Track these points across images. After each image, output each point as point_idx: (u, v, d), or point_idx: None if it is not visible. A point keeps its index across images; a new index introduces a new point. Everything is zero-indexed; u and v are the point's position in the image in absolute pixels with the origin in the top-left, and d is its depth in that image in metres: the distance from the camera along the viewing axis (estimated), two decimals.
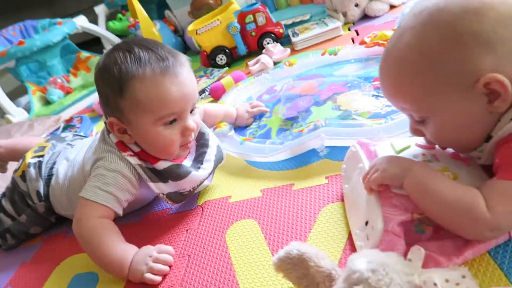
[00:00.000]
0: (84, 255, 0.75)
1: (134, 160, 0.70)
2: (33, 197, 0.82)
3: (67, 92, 1.77)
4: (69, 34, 1.83)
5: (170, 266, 0.65)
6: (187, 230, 0.72)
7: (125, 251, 0.65)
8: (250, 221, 0.68)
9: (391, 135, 0.69)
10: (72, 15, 2.28)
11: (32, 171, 0.82)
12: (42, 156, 0.84)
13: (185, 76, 0.66)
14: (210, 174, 0.77)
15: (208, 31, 1.37)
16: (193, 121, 0.70)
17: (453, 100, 0.44)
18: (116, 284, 0.66)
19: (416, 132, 0.51)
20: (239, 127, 0.97)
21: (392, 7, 1.37)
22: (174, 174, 0.71)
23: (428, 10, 0.44)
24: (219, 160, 0.79)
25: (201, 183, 0.75)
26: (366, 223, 0.52)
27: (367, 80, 0.90)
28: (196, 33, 1.37)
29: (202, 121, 0.78)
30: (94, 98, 1.65)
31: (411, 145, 0.56)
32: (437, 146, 0.54)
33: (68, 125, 1.29)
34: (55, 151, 0.87)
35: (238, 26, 1.37)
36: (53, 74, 1.81)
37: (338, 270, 0.46)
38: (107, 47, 2.23)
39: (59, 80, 1.77)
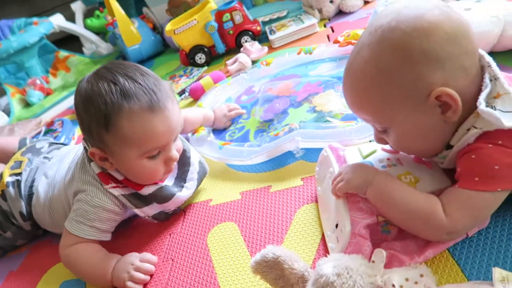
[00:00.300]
0: None
1: (117, 191, 0.70)
2: (17, 218, 0.83)
3: (47, 93, 1.76)
4: (46, 35, 1.81)
5: (151, 276, 0.67)
6: (170, 234, 0.74)
7: (105, 262, 0.68)
8: (230, 224, 0.71)
9: (362, 137, 0.72)
10: (48, 12, 2.25)
11: (12, 190, 0.83)
12: (20, 174, 0.84)
13: (170, 110, 0.66)
14: (195, 191, 0.79)
15: (186, 30, 1.38)
16: (176, 148, 0.71)
17: (410, 112, 0.47)
18: None
19: (380, 140, 0.55)
20: (217, 130, 0.99)
21: (366, 2, 1.40)
22: (159, 197, 0.72)
23: (382, 28, 0.47)
24: (202, 176, 0.80)
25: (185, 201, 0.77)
26: (336, 225, 0.55)
27: (340, 80, 0.93)
28: (174, 33, 1.38)
29: (183, 128, 0.79)
30: None
31: (377, 150, 0.60)
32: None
33: (50, 129, 1.29)
34: (32, 167, 0.86)
35: (216, 25, 1.38)
36: (32, 75, 1.80)
37: (310, 272, 0.50)
38: (86, 44, 2.21)
39: (38, 82, 1.75)
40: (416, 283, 0.43)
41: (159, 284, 0.65)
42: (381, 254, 0.45)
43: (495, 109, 0.44)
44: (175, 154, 0.70)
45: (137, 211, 0.73)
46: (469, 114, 0.47)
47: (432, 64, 0.45)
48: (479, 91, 0.45)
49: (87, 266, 0.68)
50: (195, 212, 0.77)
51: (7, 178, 0.83)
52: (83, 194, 0.71)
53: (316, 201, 0.67)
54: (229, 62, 1.29)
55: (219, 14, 1.39)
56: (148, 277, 0.66)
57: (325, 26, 1.37)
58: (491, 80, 0.46)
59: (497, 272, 0.44)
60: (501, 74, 0.46)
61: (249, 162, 0.81)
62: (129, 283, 0.65)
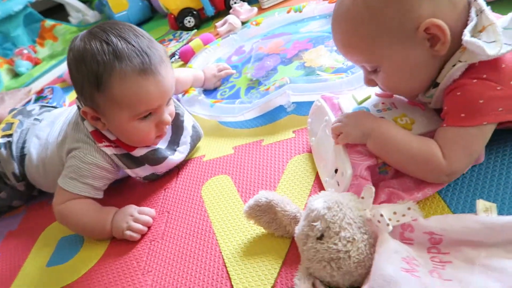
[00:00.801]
0: None
1: (110, 151, 0.70)
2: (10, 178, 0.84)
3: (35, 63, 1.73)
4: (30, 2, 1.77)
5: (149, 227, 0.69)
6: (165, 189, 0.76)
7: (104, 213, 0.70)
8: (224, 176, 0.72)
9: (352, 88, 0.73)
10: None
11: (3, 151, 0.83)
12: (11, 135, 0.84)
13: (163, 73, 0.65)
14: (188, 155, 0.79)
15: None
16: (169, 112, 0.71)
17: (399, 47, 0.48)
18: (100, 243, 0.70)
19: (370, 82, 0.56)
20: (208, 90, 0.99)
21: None
22: (151, 159, 0.73)
23: None
24: (196, 140, 0.80)
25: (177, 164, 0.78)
26: (336, 170, 0.55)
27: (330, 34, 0.93)
28: None
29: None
30: (64, 68, 1.62)
31: (371, 95, 0.60)
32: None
33: (40, 96, 1.28)
34: (23, 129, 0.86)
35: None
36: (19, 45, 1.76)
37: (302, 213, 0.51)
38: (72, 13, 2.16)
39: (25, 51, 1.72)
40: (403, 215, 0.44)
41: (156, 235, 0.67)
42: (370, 190, 0.46)
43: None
44: (167, 117, 0.70)
45: (128, 171, 0.73)
46: (455, 50, 0.48)
47: None
48: (465, 26, 0.46)
49: (85, 218, 0.69)
50: (188, 168, 0.78)
51: None
52: (76, 151, 0.71)
53: (308, 151, 0.69)
54: (218, 24, 1.28)
55: None
56: (145, 228, 0.68)
57: None
58: (477, 15, 0.46)
59: (481, 204, 0.45)
60: (486, 7, 0.46)
61: (241, 118, 0.82)
62: (128, 232, 0.67)
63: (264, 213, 0.54)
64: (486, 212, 0.44)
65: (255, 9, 1.30)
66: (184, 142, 0.78)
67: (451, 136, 0.48)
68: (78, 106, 0.73)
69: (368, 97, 0.60)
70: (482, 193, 0.50)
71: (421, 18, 0.46)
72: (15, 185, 0.85)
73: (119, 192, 0.80)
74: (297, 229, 0.47)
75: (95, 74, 0.63)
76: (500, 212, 0.46)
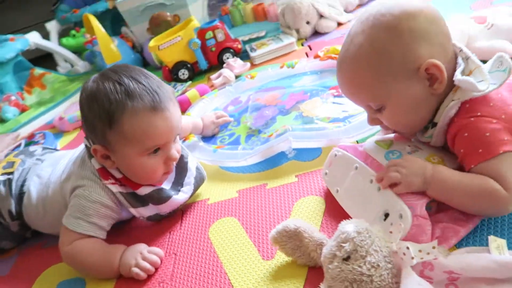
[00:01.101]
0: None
1: (115, 188, 0.72)
2: (5, 216, 0.83)
3: (23, 109, 1.73)
4: (22, 51, 1.80)
5: (156, 268, 0.69)
6: (170, 232, 0.76)
7: (112, 250, 0.70)
8: (230, 218, 0.74)
9: (349, 136, 0.79)
10: (19, 31, 2.23)
11: (2, 188, 0.82)
12: (12, 173, 0.84)
13: (171, 110, 0.69)
14: (192, 196, 0.81)
15: (170, 46, 1.43)
16: (175, 149, 0.74)
17: (402, 85, 0.55)
18: (105, 284, 0.69)
19: (374, 121, 0.61)
20: (207, 137, 1.03)
21: (339, 24, 1.51)
22: (155, 198, 0.74)
23: (373, 15, 0.56)
24: (199, 181, 0.82)
25: (181, 205, 0.79)
26: (386, 215, 0.55)
27: (325, 88, 1.00)
28: (158, 48, 1.42)
29: None
30: (53, 115, 1.63)
31: (392, 139, 0.64)
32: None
33: (31, 141, 1.27)
34: (25, 167, 0.87)
35: (199, 42, 1.44)
36: (6, 92, 1.77)
37: (328, 240, 0.53)
38: (60, 63, 2.20)
39: (13, 98, 1.73)
40: (428, 254, 0.47)
41: (164, 276, 0.67)
42: (400, 227, 0.50)
43: None
44: (175, 154, 0.73)
45: (132, 210, 0.74)
46: (448, 93, 0.55)
47: (418, 39, 0.53)
48: (454, 71, 0.54)
49: (93, 257, 0.69)
50: (193, 211, 0.80)
51: None
52: (81, 189, 0.72)
53: (313, 194, 0.72)
54: (213, 76, 1.35)
55: (202, 32, 1.45)
56: (153, 269, 0.68)
57: (302, 45, 1.46)
58: (464, 61, 0.54)
59: (492, 240, 0.49)
60: (472, 55, 0.54)
61: (244, 163, 0.85)
62: (135, 269, 0.66)
63: (290, 239, 0.57)
64: (497, 249, 0.48)
65: (248, 64, 1.39)
66: (188, 183, 0.80)
67: (490, 171, 0.50)
68: (86, 145, 0.75)
69: (392, 142, 0.63)
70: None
71: (421, 59, 0.53)
72: (9, 224, 0.83)
73: (124, 234, 0.80)
74: (325, 249, 0.50)
75: (107, 112, 0.66)
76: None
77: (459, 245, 0.53)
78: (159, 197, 0.74)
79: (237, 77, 1.33)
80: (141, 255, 0.68)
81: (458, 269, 0.47)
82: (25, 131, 1.56)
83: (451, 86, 0.55)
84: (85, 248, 0.69)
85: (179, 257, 0.70)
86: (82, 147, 0.80)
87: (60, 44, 2.13)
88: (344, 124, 0.83)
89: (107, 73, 0.70)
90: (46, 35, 2.21)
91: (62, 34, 2.29)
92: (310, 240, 0.56)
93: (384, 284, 0.46)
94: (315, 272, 0.57)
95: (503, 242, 0.49)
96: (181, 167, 0.80)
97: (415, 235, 0.52)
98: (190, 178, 0.80)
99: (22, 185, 0.83)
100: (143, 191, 0.73)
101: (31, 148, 0.95)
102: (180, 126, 0.73)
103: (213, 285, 0.61)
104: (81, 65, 1.99)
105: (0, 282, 0.81)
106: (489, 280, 0.46)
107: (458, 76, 0.53)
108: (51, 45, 2.02)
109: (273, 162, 0.85)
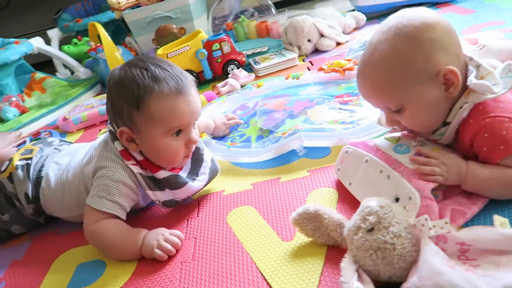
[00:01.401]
0: (86, 247, 0.81)
1: (136, 169, 0.76)
2: (21, 199, 0.85)
3: (23, 111, 1.74)
4: (26, 54, 1.83)
5: (177, 250, 0.72)
6: (187, 219, 0.80)
7: (135, 232, 0.73)
8: (247, 207, 0.78)
9: (358, 136, 0.85)
10: (21, 37, 2.25)
11: (20, 173, 0.85)
12: (30, 158, 0.87)
13: (193, 94, 0.75)
14: (205, 185, 0.85)
15: (178, 55, 1.49)
16: (195, 133, 0.79)
17: (422, 89, 0.61)
18: (127, 265, 0.72)
19: (392, 122, 0.67)
20: (217, 138, 1.08)
21: (337, 44, 1.61)
22: (172, 183, 0.78)
23: (396, 26, 0.62)
24: (214, 172, 0.86)
25: (196, 192, 0.83)
26: (397, 199, 0.61)
27: (330, 97, 1.08)
28: (167, 56, 1.48)
29: None
30: (56, 116, 1.65)
31: (400, 136, 0.71)
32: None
33: (37, 138, 1.29)
34: (43, 155, 0.90)
35: (206, 52, 1.50)
36: (7, 93, 1.78)
37: (347, 220, 0.59)
38: (60, 70, 2.23)
39: (14, 99, 1.74)
40: (441, 228, 0.53)
41: (186, 257, 0.70)
42: (415, 206, 0.56)
43: None
44: (195, 136, 0.78)
45: (150, 193, 0.78)
46: (460, 96, 0.62)
47: (438, 48, 0.60)
48: (465, 77, 0.61)
49: (117, 237, 0.72)
50: (209, 201, 0.84)
51: (17, 162, 0.87)
52: (104, 170, 0.76)
53: (326, 186, 0.77)
54: (219, 85, 1.41)
55: (209, 44, 1.52)
56: (174, 250, 0.71)
57: (303, 60, 1.55)
58: (475, 68, 0.62)
59: (497, 219, 0.55)
60: (482, 62, 0.62)
61: (257, 159, 0.90)
62: (157, 250, 0.69)
63: (310, 221, 0.62)
64: (502, 226, 0.54)
65: (253, 75, 1.46)
66: (203, 173, 0.84)
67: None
68: (110, 130, 0.79)
69: (399, 138, 0.70)
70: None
71: (439, 66, 0.60)
72: (23, 207, 0.85)
73: (142, 222, 0.83)
74: (349, 223, 0.55)
75: (135, 95, 0.71)
76: None
77: (465, 225, 0.59)
78: (176, 182, 0.78)
79: (242, 86, 1.40)
80: (163, 237, 0.71)
81: (470, 241, 0.52)
82: (26, 131, 1.57)
83: (463, 90, 0.62)
84: (109, 228, 0.72)
85: (199, 240, 0.73)
86: (100, 140, 0.84)
87: (62, 51, 2.16)
88: (352, 126, 0.90)
89: (134, 62, 0.75)
90: (47, 42, 2.25)
91: (63, 42, 2.33)
92: (330, 221, 0.61)
93: (405, 251, 0.51)
94: (334, 250, 0.62)
95: (506, 220, 0.55)
96: (197, 158, 0.84)
97: (425, 214, 0.56)
98: (205, 169, 0.85)
99: (40, 170, 0.86)
100: (161, 174, 0.77)
101: (49, 139, 0.98)
102: (199, 110, 0.79)
103: (236, 264, 0.65)
104: (82, 72, 2.02)
105: (16, 265, 0.82)
106: (496, 252, 0.52)
107: (473, 80, 0.59)
108: (54, 50, 2.06)
109: (285, 159, 0.90)
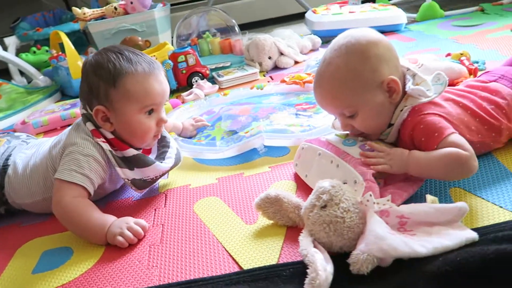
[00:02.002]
0: (51, 236, 0.82)
1: (106, 146, 0.80)
2: None
3: None
4: None
5: (143, 237, 0.74)
6: (155, 210, 0.83)
7: (104, 217, 0.76)
8: (213, 198, 0.83)
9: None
10: None
11: None
12: None
13: (163, 77, 0.84)
14: (171, 168, 0.90)
15: None
16: (164, 115, 0.85)
17: (370, 96, 0.72)
18: (93, 252, 0.73)
19: (346, 127, 0.77)
20: (184, 138, 1.13)
21: (296, 62, 1.73)
22: (140, 161, 0.83)
23: (346, 44, 0.73)
24: (178, 160, 0.92)
25: (163, 174, 0.88)
26: (344, 183, 0.68)
27: (289, 106, 1.17)
28: None
29: None
30: (13, 121, 1.62)
31: (348, 133, 0.80)
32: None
33: None
34: (10, 146, 0.92)
35: (171, 63, 1.56)
36: None
37: (304, 203, 0.65)
38: (16, 77, 2.19)
39: None
40: (384, 204, 0.61)
41: (154, 241, 0.73)
42: (362, 186, 0.64)
43: None
44: (165, 117, 0.85)
45: (119, 170, 0.81)
46: (400, 101, 0.73)
47: (381, 62, 0.71)
48: (404, 85, 0.73)
49: (87, 218, 0.74)
50: (176, 194, 0.88)
51: None
52: (74, 146, 0.79)
53: (288, 179, 0.85)
54: (184, 94, 1.46)
55: (174, 55, 1.58)
56: (135, 239, 0.73)
57: (264, 75, 1.65)
58: (411, 77, 0.73)
59: (428, 197, 0.64)
60: (418, 71, 0.73)
61: (221, 155, 0.97)
62: (119, 237, 0.72)
63: (271, 204, 0.68)
64: (432, 202, 0.63)
65: (217, 86, 1.53)
66: (169, 157, 0.89)
67: (448, 145, 0.65)
68: (83, 114, 0.83)
69: (347, 134, 0.80)
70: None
71: (383, 76, 0.71)
72: None
73: (109, 212, 0.84)
74: (305, 203, 0.63)
75: (112, 74, 0.78)
76: None
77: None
78: (144, 160, 0.83)
79: (206, 96, 1.46)
80: (127, 225, 0.74)
81: (408, 214, 0.61)
82: None
83: (403, 96, 0.73)
84: (81, 207, 0.75)
85: (167, 227, 0.77)
86: (68, 128, 0.87)
87: (19, 58, 2.13)
88: (309, 129, 0.99)
89: (108, 48, 0.83)
90: (3, 49, 2.20)
91: (20, 50, 2.29)
92: (289, 204, 0.68)
93: (354, 224, 0.59)
94: (292, 230, 0.68)
95: (436, 198, 0.64)
96: (163, 144, 0.91)
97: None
98: (171, 154, 0.90)
99: (7, 159, 0.88)
100: (130, 152, 0.82)
101: (16, 133, 0.98)
102: (168, 94, 0.86)
103: (203, 245, 0.69)
104: (41, 79, 2.00)
105: None
106: (428, 224, 0.61)
107: (411, 86, 0.71)
108: (11, 56, 2.02)
109: (247, 157, 0.97)
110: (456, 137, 0.67)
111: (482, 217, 0.63)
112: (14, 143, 0.93)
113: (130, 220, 0.76)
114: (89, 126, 0.81)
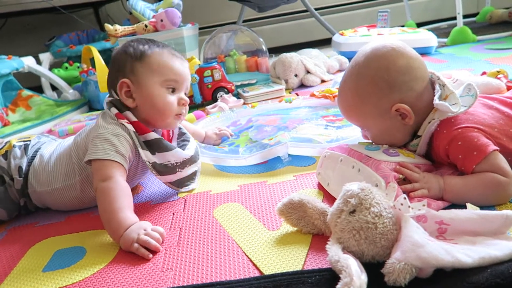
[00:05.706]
0: (66, 236, 0.79)
1: (130, 127, 0.81)
2: (13, 173, 0.86)
3: (5, 124, 1.73)
4: (17, 70, 1.85)
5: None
6: (173, 214, 0.80)
7: (126, 218, 0.71)
8: (235, 204, 0.79)
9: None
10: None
11: (17, 150, 0.88)
12: (29, 140, 0.92)
13: (186, 64, 0.88)
14: (191, 157, 0.88)
15: None
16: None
17: (379, 119, 0.72)
18: (106, 254, 0.70)
19: (365, 137, 0.78)
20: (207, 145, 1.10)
21: (322, 81, 1.70)
22: (162, 145, 0.83)
23: (358, 65, 0.73)
24: (197, 154, 0.91)
25: (183, 161, 0.85)
26: None
27: (318, 117, 1.13)
28: None
29: None
30: (40, 130, 1.64)
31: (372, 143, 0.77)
32: None
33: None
34: (40, 141, 0.94)
35: (197, 77, 1.56)
36: None
37: (330, 208, 0.61)
38: (47, 92, 2.24)
39: None
40: (419, 210, 0.56)
41: (170, 245, 0.69)
42: (393, 188, 0.58)
43: None
44: (186, 98, 0.86)
45: (141, 151, 0.81)
46: (428, 113, 0.70)
47: (391, 88, 0.69)
48: (431, 97, 0.69)
49: (119, 202, 0.72)
50: (195, 199, 0.84)
51: (15, 142, 0.90)
52: (102, 129, 0.80)
53: (311, 187, 0.80)
54: (209, 107, 1.45)
55: (201, 70, 1.58)
56: (154, 243, 0.67)
57: (290, 93, 1.62)
58: (440, 88, 0.70)
59: (469, 206, 0.59)
60: (447, 82, 0.69)
61: (244, 163, 0.93)
62: (136, 245, 0.67)
63: (295, 210, 0.63)
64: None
65: (242, 100, 1.51)
66: (189, 148, 0.90)
67: (487, 166, 0.62)
68: (108, 102, 0.85)
69: (371, 142, 0.77)
70: None
71: (392, 102, 0.69)
72: (15, 180, 0.86)
73: None
74: (332, 208, 0.57)
75: (139, 50, 0.83)
76: None
77: None
78: (164, 145, 0.83)
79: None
80: (145, 232, 0.69)
81: (448, 219, 0.55)
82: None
83: (432, 107, 0.69)
84: (118, 189, 0.73)
85: (184, 230, 0.73)
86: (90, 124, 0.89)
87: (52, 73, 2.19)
88: (337, 140, 0.94)
89: (133, 39, 0.87)
90: (38, 64, 2.28)
91: (53, 66, 2.37)
92: (314, 210, 0.63)
93: (387, 230, 0.53)
94: (319, 238, 0.63)
95: (478, 208, 0.58)
96: (184, 139, 0.92)
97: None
98: (191, 146, 0.91)
99: (37, 151, 0.90)
100: (152, 135, 0.82)
101: (44, 134, 1.01)
102: (189, 79, 0.88)
103: (222, 250, 0.65)
104: (71, 93, 2.04)
105: None
106: (471, 233, 0.55)
107: (436, 100, 0.68)
108: (44, 70, 2.08)
109: (271, 166, 0.93)
110: (496, 158, 0.63)
111: None
112: (44, 139, 0.95)
113: (147, 226, 0.71)
114: (113, 110, 0.83)
